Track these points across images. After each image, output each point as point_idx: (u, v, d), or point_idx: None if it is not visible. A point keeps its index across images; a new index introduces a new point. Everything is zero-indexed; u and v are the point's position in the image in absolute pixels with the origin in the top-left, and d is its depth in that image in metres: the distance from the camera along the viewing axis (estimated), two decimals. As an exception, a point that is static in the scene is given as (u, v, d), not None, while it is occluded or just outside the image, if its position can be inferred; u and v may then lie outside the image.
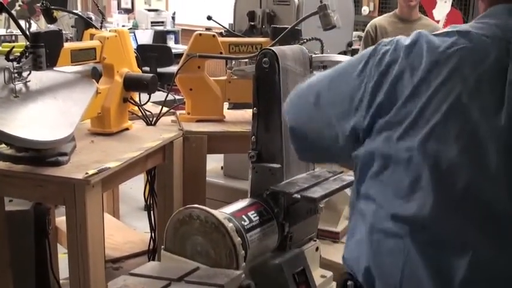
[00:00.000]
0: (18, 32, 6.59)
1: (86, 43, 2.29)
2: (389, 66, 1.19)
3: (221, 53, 2.48)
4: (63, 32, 2.07)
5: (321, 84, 1.34)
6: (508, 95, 1.08)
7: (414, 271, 1.12)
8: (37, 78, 1.91)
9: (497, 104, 1.08)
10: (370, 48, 1.26)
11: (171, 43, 8.49)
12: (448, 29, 1.19)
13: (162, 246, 1.56)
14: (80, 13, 2.70)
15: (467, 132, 1.08)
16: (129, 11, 10.06)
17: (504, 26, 1.16)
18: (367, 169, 1.21)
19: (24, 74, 1.84)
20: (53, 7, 2.49)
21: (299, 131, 1.40)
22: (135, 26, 8.81)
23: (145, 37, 8.27)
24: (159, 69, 6.24)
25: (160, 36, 8.57)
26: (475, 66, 1.11)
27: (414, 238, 1.12)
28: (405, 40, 1.21)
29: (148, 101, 2.42)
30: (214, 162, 3.17)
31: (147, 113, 2.47)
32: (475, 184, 1.07)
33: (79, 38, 2.56)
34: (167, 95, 2.53)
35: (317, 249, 1.82)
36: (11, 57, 1.79)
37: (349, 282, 1.26)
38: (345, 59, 2.59)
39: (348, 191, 2.11)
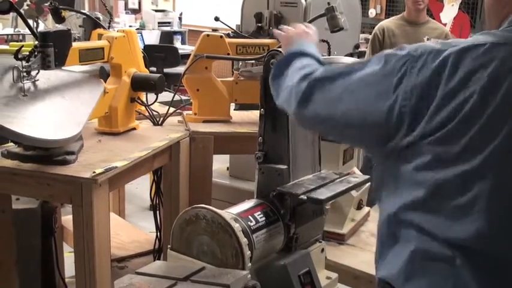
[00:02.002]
0: (26, 31, 6.64)
1: (94, 43, 2.30)
2: (429, 86, 1.15)
3: (228, 54, 2.48)
4: (72, 31, 2.08)
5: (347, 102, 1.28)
6: None
7: None
8: (45, 78, 1.92)
9: None
10: (396, 64, 1.20)
11: (177, 44, 8.51)
12: (481, 38, 1.15)
13: (169, 246, 1.57)
14: (88, 13, 2.71)
15: None
16: (136, 12, 10.09)
17: None
18: (407, 195, 1.19)
19: (33, 73, 1.85)
20: (61, 7, 2.49)
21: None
22: (142, 27, 8.83)
23: (152, 37, 8.29)
24: (166, 70, 6.27)
25: (167, 37, 8.59)
26: None
27: (467, 261, 1.11)
28: (435, 57, 1.15)
29: (155, 101, 2.43)
30: (219, 163, 3.17)
31: (154, 113, 2.48)
32: None
33: (87, 37, 2.57)
34: (174, 95, 2.54)
35: (322, 250, 1.82)
36: (19, 56, 1.80)
37: None
38: (352, 61, 2.60)
39: (354, 192, 2.12)
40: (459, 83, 1.11)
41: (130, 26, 8.29)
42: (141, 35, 7.69)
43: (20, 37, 7.24)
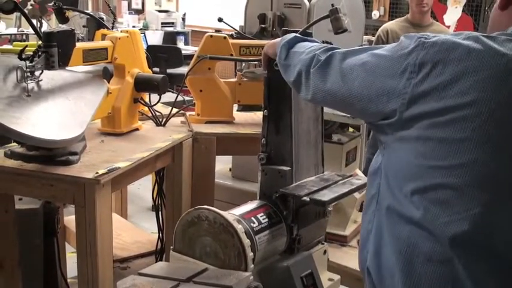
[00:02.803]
0: (29, 30, 6.64)
1: (98, 43, 2.30)
2: (437, 65, 1.14)
3: (232, 54, 2.48)
4: (75, 31, 2.08)
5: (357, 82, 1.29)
6: None
7: None
8: (49, 78, 1.93)
9: None
10: (410, 42, 1.20)
11: (180, 44, 8.52)
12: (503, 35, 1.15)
13: (171, 247, 1.57)
14: (92, 13, 2.71)
15: None
16: (140, 12, 10.10)
17: None
18: (403, 184, 1.18)
19: (37, 73, 1.85)
20: (65, 7, 2.50)
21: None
22: (146, 27, 8.84)
23: (156, 38, 8.29)
24: (169, 70, 6.27)
25: (170, 37, 8.60)
26: None
27: (464, 258, 1.10)
28: (448, 39, 1.15)
29: (158, 101, 2.43)
30: (222, 164, 3.17)
31: (157, 113, 2.48)
32: None
33: (90, 38, 2.58)
34: (177, 96, 2.54)
35: (325, 252, 1.82)
36: (23, 56, 1.80)
37: None
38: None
39: (356, 194, 2.12)
40: (470, 66, 1.11)
41: (133, 27, 8.32)
42: (145, 36, 7.69)
43: (24, 37, 7.24)
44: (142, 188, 4.50)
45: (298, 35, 1.61)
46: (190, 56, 2.67)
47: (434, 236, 1.13)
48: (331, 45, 1.44)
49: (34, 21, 4.60)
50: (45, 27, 4.85)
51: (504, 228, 1.09)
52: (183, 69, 5.94)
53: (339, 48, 1.40)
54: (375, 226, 1.27)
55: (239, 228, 1.47)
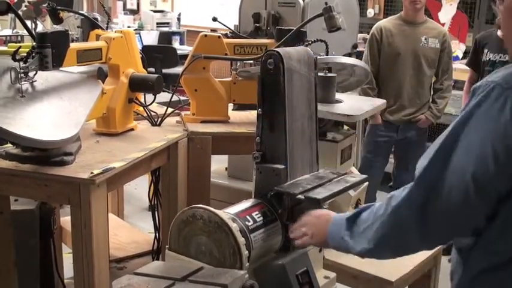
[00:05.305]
0: (24, 32, 6.63)
1: (92, 44, 2.30)
2: None
3: (226, 54, 2.48)
4: (69, 32, 2.08)
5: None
6: None
7: None
8: (43, 78, 1.93)
9: None
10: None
11: (176, 44, 8.51)
12: None
13: (167, 246, 1.57)
14: (86, 14, 2.71)
15: None
16: (135, 12, 10.08)
17: None
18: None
19: (31, 74, 1.85)
20: (59, 8, 2.50)
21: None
22: (141, 27, 8.83)
23: (151, 38, 8.29)
24: (164, 70, 6.27)
25: (165, 37, 8.59)
26: None
27: None
28: None
29: (153, 101, 2.43)
30: (218, 163, 3.18)
31: (152, 113, 2.48)
32: None
33: (85, 38, 2.58)
34: (172, 96, 2.54)
35: (320, 250, 1.83)
36: (17, 57, 1.80)
37: None
38: (350, 61, 2.60)
39: (351, 192, 2.12)
40: None
41: (128, 27, 8.30)
42: (140, 36, 7.68)
43: (19, 38, 7.23)
44: (139, 189, 4.50)
45: (345, 217, 1.49)
46: (185, 56, 2.68)
47: None
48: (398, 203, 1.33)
49: (29, 22, 4.60)
50: (40, 29, 4.85)
51: None
52: (179, 69, 5.93)
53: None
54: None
55: (234, 226, 1.47)
